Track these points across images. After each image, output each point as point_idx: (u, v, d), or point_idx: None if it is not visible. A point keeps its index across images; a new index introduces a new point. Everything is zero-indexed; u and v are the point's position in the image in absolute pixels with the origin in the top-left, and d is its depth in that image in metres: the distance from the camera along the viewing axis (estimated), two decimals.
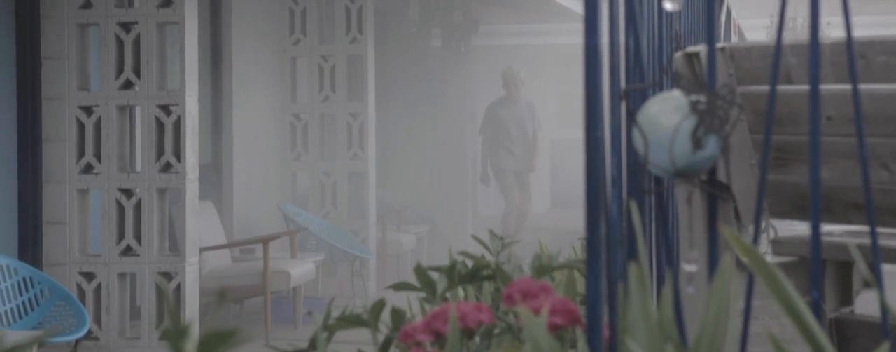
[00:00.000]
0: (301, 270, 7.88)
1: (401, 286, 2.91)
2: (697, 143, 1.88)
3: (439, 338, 2.20)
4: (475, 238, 3.39)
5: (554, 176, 17.83)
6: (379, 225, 10.05)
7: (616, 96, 2.12)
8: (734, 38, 9.56)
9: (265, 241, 7.57)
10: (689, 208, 2.00)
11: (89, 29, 6.79)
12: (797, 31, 13.23)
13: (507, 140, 11.69)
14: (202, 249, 7.25)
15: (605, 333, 2.02)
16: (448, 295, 3.18)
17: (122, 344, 6.63)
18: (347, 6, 9.69)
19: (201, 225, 7.47)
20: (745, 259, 1.57)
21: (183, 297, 6.60)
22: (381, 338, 2.47)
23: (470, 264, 2.67)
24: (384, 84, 11.98)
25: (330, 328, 2.60)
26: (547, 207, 17.60)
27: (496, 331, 2.48)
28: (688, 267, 1.89)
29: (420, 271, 2.60)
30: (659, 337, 1.69)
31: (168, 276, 6.63)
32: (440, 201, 12.59)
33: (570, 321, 2.04)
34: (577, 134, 17.65)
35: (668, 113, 1.92)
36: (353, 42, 9.69)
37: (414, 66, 12.45)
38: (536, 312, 2.05)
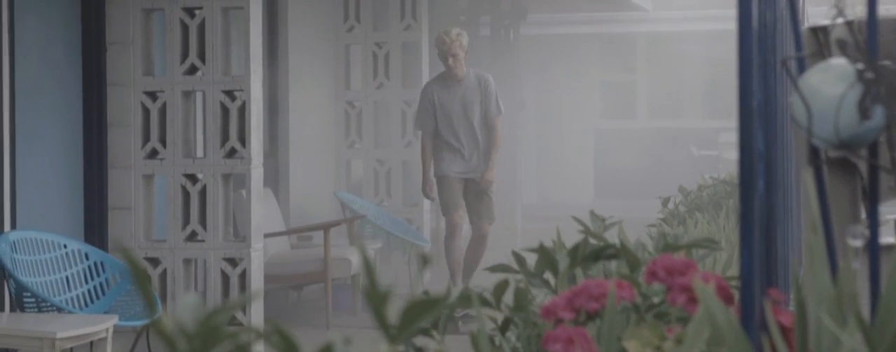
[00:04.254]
0: (361, 257, 7.84)
1: (498, 268, 2.87)
2: (865, 113, 1.83)
3: (579, 315, 2.16)
4: (575, 219, 3.34)
5: (598, 165, 17.75)
6: (432, 213, 10.01)
7: (763, 67, 2.06)
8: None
9: (326, 228, 7.55)
10: (854, 181, 1.95)
11: (154, 14, 6.77)
12: (856, 14, 13.10)
13: (450, 133, 8.29)
14: (264, 236, 7.22)
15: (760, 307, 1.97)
16: (552, 279, 3.13)
17: None
18: None
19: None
20: None
21: (248, 283, 6.58)
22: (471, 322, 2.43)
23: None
24: (435, 73, 11.92)
25: (450, 308, 2.56)
26: (591, 198, 17.53)
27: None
28: (853, 242, 1.84)
29: (544, 251, 2.56)
30: (837, 312, 1.63)
31: (233, 262, 6.62)
32: None
33: (722, 298, 1.99)
34: (621, 124, 17.60)
35: (830, 82, 1.87)
36: (407, 29, 9.65)
37: None
38: (687, 288, 2.00)
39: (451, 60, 8.24)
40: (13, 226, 5.88)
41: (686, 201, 6.62)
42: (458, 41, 8.23)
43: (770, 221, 2.22)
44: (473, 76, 8.36)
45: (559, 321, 2.11)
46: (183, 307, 1.28)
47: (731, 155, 16.01)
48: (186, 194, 6.68)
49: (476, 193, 8.36)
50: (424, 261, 1.34)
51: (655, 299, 2.34)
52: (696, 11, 16.09)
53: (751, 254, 1.99)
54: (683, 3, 16.06)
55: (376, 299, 1.32)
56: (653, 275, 2.11)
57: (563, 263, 2.59)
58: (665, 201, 6.50)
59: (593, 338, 2.05)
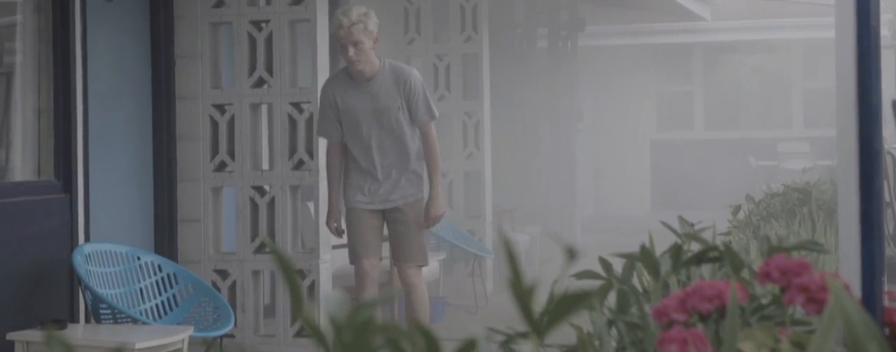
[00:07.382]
0: (426, 268, 7.82)
1: (584, 275, 2.84)
2: None
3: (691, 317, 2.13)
4: (664, 224, 3.31)
5: (655, 177, 17.66)
6: (494, 225, 9.98)
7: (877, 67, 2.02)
8: None
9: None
10: None
11: (222, 27, 6.81)
12: None
13: (359, 148, 6.05)
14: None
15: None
16: (639, 284, 3.11)
17: (257, 341, 6.64)
18: (462, 5, 9.64)
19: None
20: None
21: (316, 295, 6.59)
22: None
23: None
24: (496, 82, 11.92)
25: (552, 311, 2.54)
26: (648, 210, 17.43)
27: None
28: None
29: (646, 253, 2.54)
30: None
31: (301, 273, 6.62)
32: (548, 202, 12.51)
33: None
34: (678, 134, 17.50)
35: None
36: (468, 41, 9.65)
37: (521, 67, 12.39)
38: (805, 288, 1.97)
39: (351, 52, 5.84)
40: (86, 238, 5.92)
41: (757, 210, 6.55)
42: (360, 24, 5.83)
43: (881, 220, 2.19)
44: (389, 71, 6.00)
45: (671, 323, 2.08)
46: (330, 302, 1.27)
47: (791, 165, 15.86)
48: (255, 206, 6.70)
49: (396, 227, 6.08)
50: (571, 254, 1.32)
51: (764, 301, 2.31)
52: (754, 21, 15.98)
53: (872, 253, 1.97)
54: (742, 12, 15.97)
55: (521, 292, 1.31)
56: (766, 276, 2.08)
57: (664, 266, 2.57)
58: (736, 210, 6.44)
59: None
